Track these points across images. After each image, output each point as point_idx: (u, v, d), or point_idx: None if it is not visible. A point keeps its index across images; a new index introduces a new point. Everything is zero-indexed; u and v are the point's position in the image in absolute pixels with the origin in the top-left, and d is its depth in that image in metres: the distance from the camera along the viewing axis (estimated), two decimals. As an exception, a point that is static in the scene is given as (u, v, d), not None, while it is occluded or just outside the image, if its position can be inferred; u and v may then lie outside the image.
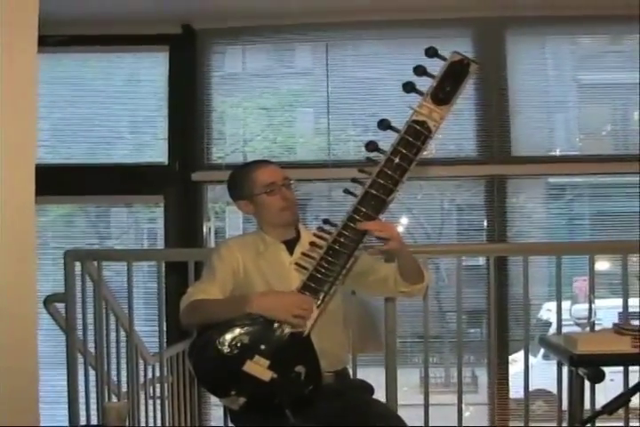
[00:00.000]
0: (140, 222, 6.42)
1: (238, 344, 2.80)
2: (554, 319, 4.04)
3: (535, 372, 4.81)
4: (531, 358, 4.41)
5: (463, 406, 4.03)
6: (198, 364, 2.86)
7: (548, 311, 5.74)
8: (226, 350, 2.80)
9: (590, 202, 6.20)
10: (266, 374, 2.78)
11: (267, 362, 2.78)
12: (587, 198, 6.22)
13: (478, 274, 6.02)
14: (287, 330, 2.80)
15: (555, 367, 3.96)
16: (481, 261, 6.14)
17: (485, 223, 6.09)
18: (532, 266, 4.42)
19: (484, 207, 6.11)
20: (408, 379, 5.78)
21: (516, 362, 5.82)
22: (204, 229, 6.16)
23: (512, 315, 5.86)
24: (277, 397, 2.80)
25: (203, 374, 2.88)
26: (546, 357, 6.47)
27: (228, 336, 2.80)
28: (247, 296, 2.87)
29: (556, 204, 6.23)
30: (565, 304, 3.67)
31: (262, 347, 2.79)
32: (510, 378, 5.83)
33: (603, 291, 5.24)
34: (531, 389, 4.15)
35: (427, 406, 4.01)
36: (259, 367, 2.78)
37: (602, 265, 5.40)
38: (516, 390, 5.71)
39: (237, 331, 2.80)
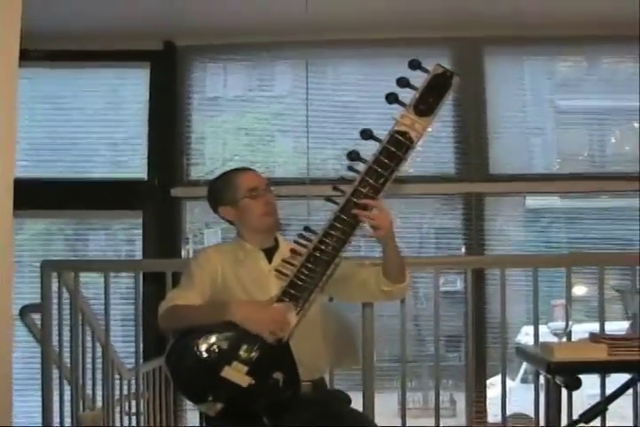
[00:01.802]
0: (117, 244, 6.43)
1: (216, 350, 2.81)
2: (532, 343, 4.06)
3: (513, 396, 4.83)
4: (508, 382, 4.43)
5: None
6: (176, 369, 2.86)
7: (526, 335, 5.76)
8: (204, 355, 2.81)
9: (568, 227, 6.26)
10: (244, 380, 2.79)
11: (245, 368, 2.79)
12: (564, 223, 6.29)
13: (457, 299, 6.07)
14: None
15: (532, 391, 3.98)
16: (459, 285, 6.19)
17: (463, 249, 6.16)
18: (510, 289, 4.46)
19: (462, 231, 6.17)
20: (386, 403, 5.78)
21: (493, 386, 5.83)
22: (183, 253, 6.17)
23: (490, 338, 5.90)
24: (255, 403, 2.81)
25: (180, 380, 2.89)
26: (524, 380, 6.50)
27: (207, 341, 2.81)
28: (227, 304, 2.88)
29: (534, 228, 6.30)
30: (543, 328, 3.71)
31: (240, 353, 2.81)
32: (488, 402, 5.84)
33: (579, 315, 5.31)
34: (508, 412, 4.15)
35: (404, 430, 4.02)
36: (237, 373, 2.79)
37: (579, 290, 5.46)
38: (494, 413, 5.72)
39: (216, 336, 2.82)
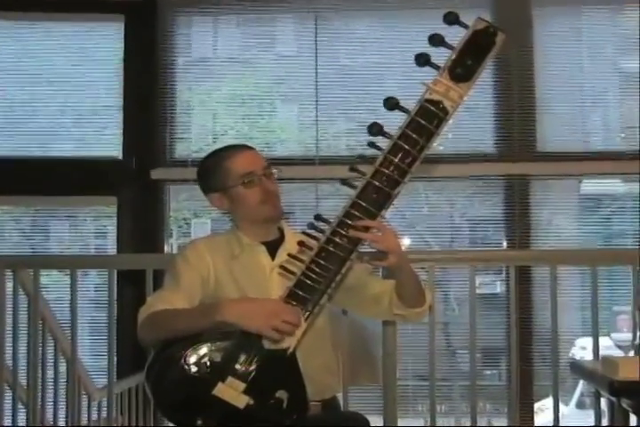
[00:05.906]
0: (85, 238, 6.45)
1: (208, 363, 2.80)
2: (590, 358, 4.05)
3: (567, 423, 4.82)
4: (561, 407, 4.42)
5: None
6: (158, 387, 2.84)
7: (582, 350, 5.73)
8: (193, 369, 2.80)
9: (633, 217, 6.26)
10: (240, 400, 2.78)
11: (242, 385, 2.78)
12: (628, 213, 6.28)
13: (496, 305, 6.08)
14: (267, 346, 2.80)
15: (592, 418, 3.99)
16: (499, 288, 6.20)
17: (505, 244, 6.18)
18: (562, 294, 4.46)
19: (503, 221, 6.19)
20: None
21: (542, 411, 5.84)
22: (166, 248, 6.20)
23: (537, 353, 5.92)
24: (253, 428, 2.83)
25: (163, 400, 2.86)
26: (580, 405, 6.50)
27: (196, 353, 2.80)
28: (217, 303, 2.87)
29: (592, 218, 6.30)
30: (603, 340, 3.70)
31: (237, 367, 2.82)
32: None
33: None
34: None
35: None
36: (232, 391, 2.78)
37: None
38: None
39: (207, 347, 2.81)
